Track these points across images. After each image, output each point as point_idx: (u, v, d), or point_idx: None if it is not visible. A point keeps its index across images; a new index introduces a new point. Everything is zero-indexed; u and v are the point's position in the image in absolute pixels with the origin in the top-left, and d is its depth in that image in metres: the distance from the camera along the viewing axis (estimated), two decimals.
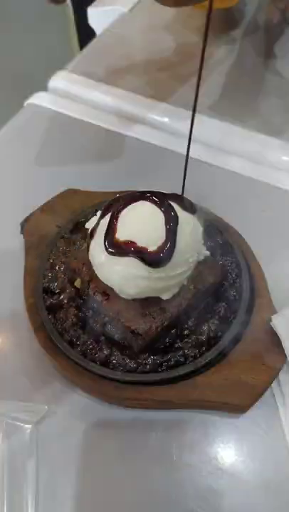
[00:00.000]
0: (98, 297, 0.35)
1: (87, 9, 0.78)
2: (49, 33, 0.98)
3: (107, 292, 0.34)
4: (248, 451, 0.34)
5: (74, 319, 0.36)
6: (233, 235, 0.41)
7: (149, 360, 0.34)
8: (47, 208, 0.45)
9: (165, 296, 0.33)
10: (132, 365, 0.34)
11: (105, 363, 0.34)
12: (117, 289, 0.33)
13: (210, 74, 0.60)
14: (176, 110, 0.56)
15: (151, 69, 0.62)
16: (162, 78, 0.61)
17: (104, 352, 0.35)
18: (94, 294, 0.35)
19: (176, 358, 0.34)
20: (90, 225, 0.36)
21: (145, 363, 0.34)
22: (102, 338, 0.35)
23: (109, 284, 0.33)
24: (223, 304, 0.36)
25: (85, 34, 0.77)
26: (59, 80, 0.62)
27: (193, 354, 0.34)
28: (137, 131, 0.55)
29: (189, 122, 0.32)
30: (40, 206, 0.45)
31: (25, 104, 0.60)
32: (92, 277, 0.35)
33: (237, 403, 0.33)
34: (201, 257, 0.35)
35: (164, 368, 0.34)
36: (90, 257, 0.34)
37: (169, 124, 0.55)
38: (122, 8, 0.73)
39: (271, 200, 0.48)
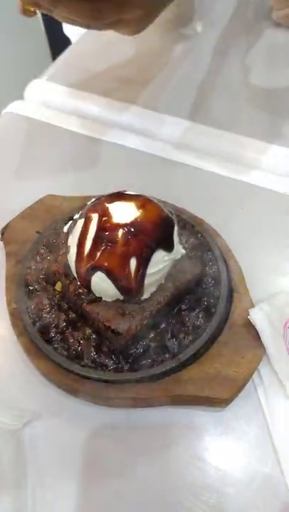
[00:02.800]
0: (78, 300, 0.35)
1: None
2: (22, 42, 0.99)
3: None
4: (233, 444, 0.35)
5: (56, 322, 0.37)
6: (209, 232, 0.42)
7: (131, 358, 0.35)
8: (26, 214, 0.45)
9: (143, 296, 0.34)
10: (115, 364, 0.35)
11: (88, 364, 0.35)
12: (96, 293, 0.34)
13: (179, 74, 0.61)
14: (148, 112, 0.57)
15: (123, 74, 0.63)
16: (133, 82, 0.62)
17: (87, 353, 0.35)
18: (74, 296, 0.36)
19: (158, 355, 0.35)
20: (67, 228, 0.37)
21: (127, 362, 0.35)
22: (85, 339, 0.36)
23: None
24: (202, 300, 0.37)
25: (58, 42, 0.78)
26: (34, 89, 0.62)
27: (174, 350, 0.35)
28: (111, 135, 0.56)
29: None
30: (19, 213, 0.45)
31: (3, 113, 0.61)
32: (72, 280, 0.36)
33: (219, 396, 0.34)
34: (178, 256, 0.36)
35: (145, 365, 0.34)
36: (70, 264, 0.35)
37: (142, 126, 0.56)
38: None
39: (249, 198, 0.49)
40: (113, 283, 0.31)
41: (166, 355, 0.35)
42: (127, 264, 0.31)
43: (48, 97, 0.61)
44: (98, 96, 0.59)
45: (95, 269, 0.32)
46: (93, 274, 0.32)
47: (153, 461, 0.34)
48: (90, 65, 0.65)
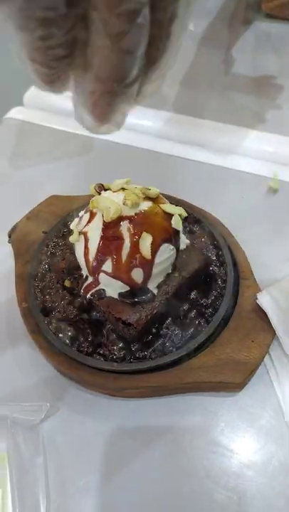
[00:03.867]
0: (87, 294, 0.36)
1: None
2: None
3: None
4: (248, 428, 0.35)
5: (67, 317, 0.37)
6: (212, 222, 0.42)
7: (143, 348, 0.35)
8: (32, 215, 0.46)
9: (151, 286, 0.34)
10: (127, 354, 0.35)
11: (101, 355, 0.35)
12: (104, 286, 0.35)
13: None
14: (146, 110, 0.58)
15: None
16: None
17: (99, 346, 0.36)
18: (84, 291, 0.36)
19: (169, 343, 0.35)
20: (73, 225, 0.37)
21: (139, 352, 0.35)
22: (96, 332, 0.36)
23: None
24: (210, 287, 0.38)
25: None
26: (33, 94, 0.64)
27: (184, 338, 0.35)
28: (110, 135, 0.57)
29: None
30: (25, 215, 0.46)
31: (3, 118, 0.62)
32: (80, 276, 0.37)
33: (231, 381, 0.34)
34: (183, 246, 0.36)
35: (157, 354, 0.35)
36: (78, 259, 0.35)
37: (141, 124, 0.57)
38: None
39: (250, 187, 0.50)
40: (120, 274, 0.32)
41: (177, 344, 0.35)
42: (134, 255, 0.32)
43: (46, 102, 0.62)
44: None
45: (102, 261, 0.32)
46: (101, 266, 0.32)
47: (170, 449, 0.34)
48: None
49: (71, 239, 0.35)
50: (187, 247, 0.37)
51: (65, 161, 0.55)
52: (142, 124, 0.57)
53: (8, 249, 0.45)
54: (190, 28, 0.70)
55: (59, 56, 0.17)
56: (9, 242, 0.45)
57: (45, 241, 0.43)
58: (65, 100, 0.62)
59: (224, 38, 0.68)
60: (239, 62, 0.64)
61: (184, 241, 0.36)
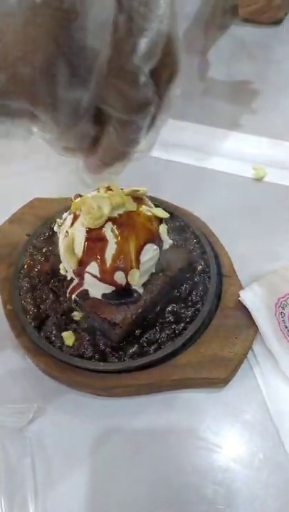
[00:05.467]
0: (73, 295, 0.36)
1: None
2: None
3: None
4: (234, 423, 0.36)
5: (53, 319, 0.38)
6: (195, 221, 0.43)
7: (129, 347, 0.36)
8: (15, 218, 0.46)
9: (136, 286, 0.35)
10: (113, 354, 0.35)
11: (87, 356, 0.36)
12: (89, 286, 0.35)
13: None
14: None
15: None
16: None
17: (85, 346, 0.36)
18: (69, 293, 0.36)
19: (155, 341, 0.36)
20: (57, 227, 0.38)
21: (125, 351, 0.35)
22: (82, 333, 0.36)
23: None
24: (193, 286, 0.38)
25: None
26: None
27: (170, 336, 0.36)
28: None
29: None
30: (8, 217, 0.46)
31: None
32: (65, 278, 0.37)
33: (216, 376, 0.35)
34: (166, 246, 0.37)
35: (143, 353, 0.35)
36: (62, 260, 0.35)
37: None
38: None
39: (232, 187, 0.51)
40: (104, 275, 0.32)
41: (163, 341, 0.36)
42: (118, 257, 0.32)
43: None
44: None
45: (87, 263, 0.33)
46: (86, 267, 0.33)
47: (158, 446, 0.35)
48: None
49: (55, 228, 0.35)
50: (170, 246, 0.38)
51: (47, 163, 0.55)
52: None
53: None
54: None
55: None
56: None
57: (29, 243, 0.43)
58: None
59: (201, 42, 0.69)
60: (216, 66, 0.65)
61: (167, 241, 0.36)
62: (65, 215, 0.36)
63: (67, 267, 0.35)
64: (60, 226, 0.36)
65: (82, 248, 0.32)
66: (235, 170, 0.53)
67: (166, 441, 0.35)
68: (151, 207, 0.35)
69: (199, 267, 0.39)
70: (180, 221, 0.43)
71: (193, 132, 0.56)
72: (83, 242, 0.32)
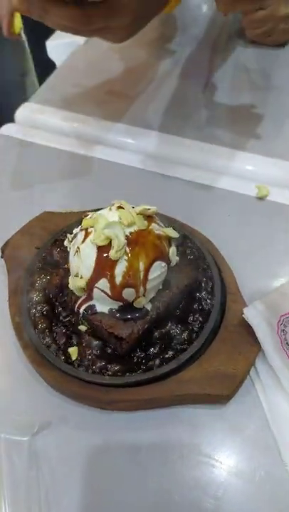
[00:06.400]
0: (81, 309, 0.37)
1: (46, 42, 0.82)
2: (8, 67, 1.02)
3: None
4: (235, 439, 0.36)
5: (60, 332, 0.38)
6: (200, 238, 0.44)
7: (134, 362, 0.36)
8: (25, 231, 0.47)
9: (143, 301, 0.36)
10: (118, 368, 0.36)
11: (92, 369, 0.36)
12: (96, 300, 0.36)
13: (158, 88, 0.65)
14: (135, 129, 0.60)
15: (110, 92, 0.66)
16: (120, 101, 0.65)
17: (91, 359, 0.37)
18: (77, 307, 0.37)
19: (159, 357, 0.37)
20: (67, 242, 0.39)
21: (131, 365, 0.36)
22: (88, 346, 0.37)
23: None
24: (198, 303, 0.39)
25: (44, 66, 0.81)
26: (25, 112, 0.65)
27: (174, 352, 0.37)
28: (100, 152, 0.59)
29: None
30: (18, 230, 0.47)
31: None
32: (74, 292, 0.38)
33: (220, 393, 0.36)
34: (173, 263, 0.38)
35: (148, 368, 0.36)
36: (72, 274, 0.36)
37: (129, 143, 0.60)
38: (78, 40, 0.78)
39: (235, 205, 0.52)
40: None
41: (168, 357, 0.37)
42: (128, 274, 0.33)
43: (38, 119, 0.64)
44: (85, 116, 0.63)
45: (97, 278, 0.34)
46: (95, 282, 0.34)
47: (160, 460, 0.35)
48: (77, 86, 0.68)
49: (65, 243, 0.36)
50: (177, 263, 0.39)
51: (56, 178, 0.56)
52: (133, 144, 0.59)
53: (0, 265, 0.45)
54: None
55: None
56: (1, 258, 0.46)
57: (38, 256, 0.44)
58: (56, 118, 0.64)
59: (208, 63, 0.71)
60: (222, 87, 0.66)
61: (174, 258, 0.37)
62: (75, 230, 0.37)
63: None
64: (71, 241, 0.37)
65: (93, 264, 0.33)
66: (238, 188, 0.54)
67: (168, 455, 0.36)
68: (160, 225, 0.36)
69: (204, 284, 0.40)
70: (186, 238, 0.44)
71: (196, 150, 0.57)
72: (94, 258, 0.33)
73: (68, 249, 0.38)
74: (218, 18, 0.77)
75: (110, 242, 0.32)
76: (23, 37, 1.14)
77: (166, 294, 0.37)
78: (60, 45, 0.80)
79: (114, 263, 0.33)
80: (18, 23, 1.11)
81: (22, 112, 0.65)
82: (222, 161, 0.56)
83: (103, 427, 0.37)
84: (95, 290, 0.34)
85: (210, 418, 0.37)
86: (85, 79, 0.69)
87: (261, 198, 0.53)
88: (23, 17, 1.00)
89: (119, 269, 0.33)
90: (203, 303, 0.39)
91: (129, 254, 0.33)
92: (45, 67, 0.80)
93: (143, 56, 0.72)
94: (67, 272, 0.38)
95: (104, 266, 0.33)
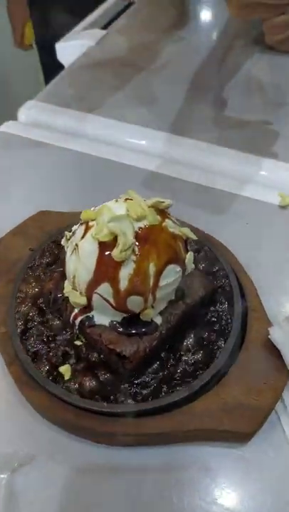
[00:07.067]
0: (77, 321, 0.31)
1: (56, 45, 0.79)
2: (16, 68, 1.01)
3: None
4: (256, 485, 0.30)
5: (52, 347, 0.32)
6: (218, 247, 0.39)
7: (138, 386, 0.30)
8: (18, 231, 0.42)
9: (151, 313, 0.30)
10: (120, 394, 0.30)
11: (89, 394, 0.30)
12: (96, 309, 0.30)
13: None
14: (140, 129, 0.56)
15: (114, 92, 0.63)
16: (124, 100, 0.61)
17: (87, 382, 0.31)
18: (73, 318, 0.31)
19: (168, 382, 0.30)
20: (64, 241, 0.33)
21: (134, 391, 0.30)
22: (84, 366, 0.31)
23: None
24: (215, 319, 0.33)
25: (51, 68, 0.78)
26: (27, 110, 0.61)
27: (186, 377, 0.31)
28: (103, 152, 0.54)
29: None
30: (10, 230, 0.42)
31: None
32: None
33: (240, 430, 0.30)
34: (189, 269, 0.32)
35: (154, 394, 0.30)
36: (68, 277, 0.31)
37: (127, 141, 0.56)
38: (88, 42, 0.75)
39: (255, 213, 0.47)
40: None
41: (178, 383, 0.30)
42: (136, 277, 0.27)
43: (40, 117, 0.60)
44: (86, 113, 0.59)
45: (98, 283, 0.28)
46: (96, 288, 0.28)
47: (163, 508, 0.29)
48: (84, 86, 0.65)
49: (62, 242, 0.30)
50: (192, 272, 0.33)
51: (55, 177, 0.52)
52: (143, 145, 0.55)
53: None
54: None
55: None
56: None
57: (31, 259, 0.38)
58: (58, 116, 0.59)
59: (226, 68, 0.67)
60: (240, 94, 0.63)
61: (190, 266, 0.31)
62: (75, 227, 0.32)
63: (74, 285, 0.30)
64: (69, 239, 0.31)
65: (94, 265, 0.27)
66: (259, 196, 0.49)
67: (172, 503, 0.29)
68: (176, 223, 0.30)
69: (222, 298, 0.34)
70: (201, 244, 0.38)
71: (211, 153, 0.53)
72: (95, 258, 0.27)
73: (66, 248, 0.33)
74: (234, 21, 0.74)
75: (115, 238, 0.27)
76: (34, 47, 1.13)
77: (179, 305, 0.32)
78: (69, 47, 0.77)
79: (119, 264, 0.27)
80: (30, 34, 1.10)
81: (25, 110, 0.61)
82: (242, 167, 0.52)
83: (97, 464, 0.31)
84: (95, 297, 0.29)
85: (226, 459, 0.31)
86: (93, 79, 0.66)
87: (284, 207, 0.47)
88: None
89: (125, 272, 0.27)
90: (222, 319, 0.33)
91: (138, 254, 0.27)
92: (53, 69, 0.76)
93: (154, 58, 0.69)
94: (63, 275, 0.33)
95: (106, 267, 0.27)
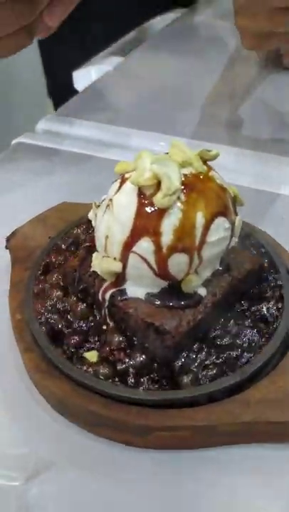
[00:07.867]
0: (107, 295, 0.27)
1: (73, 73, 0.81)
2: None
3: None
4: None
5: (75, 328, 0.28)
6: (256, 230, 0.35)
7: (180, 370, 0.25)
8: (38, 220, 0.39)
9: (195, 281, 0.26)
10: (158, 379, 0.25)
11: (119, 380, 0.25)
12: (131, 277, 0.26)
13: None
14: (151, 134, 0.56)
15: (124, 103, 0.63)
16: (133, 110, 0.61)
17: (118, 365, 0.26)
18: (102, 292, 0.27)
19: (216, 365, 0.26)
20: (92, 213, 0.30)
21: (174, 375, 0.25)
22: (115, 347, 0.27)
23: None
24: (266, 294, 0.29)
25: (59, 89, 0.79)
26: (46, 123, 0.61)
27: (238, 360, 0.26)
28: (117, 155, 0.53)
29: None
30: (30, 219, 0.39)
31: (13, 143, 0.58)
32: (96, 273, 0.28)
33: None
34: (233, 243, 0.28)
35: (199, 380, 0.25)
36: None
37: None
38: (106, 67, 0.77)
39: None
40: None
41: (228, 367, 0.26)
42: (181, 233, 0.24)
43: (58, 129, 0.60)
44: (115, 127, 0.59)
45: (135, 240, 0.24)
46: (133, 246, 0.24)
47: None
48: (105, 101, 0.66)
49: (90, 215, 0.27)
50: (236, 246, 0.29)
51: (77, 182, 0.50)
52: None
53: (3, 259, 0.36)
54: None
55: None
56: (6, 248, 0.37)
57: (52, 243, 0.35)
58: (76, 126, 0.59)
59: (243, 89, 0.68)
60: (258, 116, 0.62)
61: (238, 229, 0.28)
62: (104, 196, 0.29)
63: (105, 249, 0.26)
64: (98, 206, 0.28)
65: (132, 218, 0.24)
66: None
67: None
68: (222, 181, 0.27)
69: (270, 275, 0.30)
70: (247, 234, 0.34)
71: (240, 156, 0.51)
72: (134, 209, 0.24)
73: (93, 222, 0.29)
74: None
75: (158, 186, 0.23)
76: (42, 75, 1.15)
77: (225, 278, 0.27)
78: (86, 73, 0.79)
79: (161, 214, 0.23)
80: None
81: (43, 123, 0.61)
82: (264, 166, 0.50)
83: (128, 471, 0.25)
84: (131, 260, 0.25)
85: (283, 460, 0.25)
86: (114, 96, 0.67)
87: None
88: (40, 44, 1.01)
89: (169, 223, 0.23)
90: (274, 293, 0.29)
91: (184, 202, 0.23)
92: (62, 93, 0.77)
93: (175, 70, 0.70)
94: (91, 250, 0.29)
95: (147, 219, 0.24)
